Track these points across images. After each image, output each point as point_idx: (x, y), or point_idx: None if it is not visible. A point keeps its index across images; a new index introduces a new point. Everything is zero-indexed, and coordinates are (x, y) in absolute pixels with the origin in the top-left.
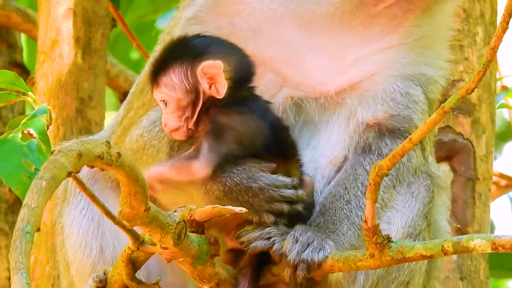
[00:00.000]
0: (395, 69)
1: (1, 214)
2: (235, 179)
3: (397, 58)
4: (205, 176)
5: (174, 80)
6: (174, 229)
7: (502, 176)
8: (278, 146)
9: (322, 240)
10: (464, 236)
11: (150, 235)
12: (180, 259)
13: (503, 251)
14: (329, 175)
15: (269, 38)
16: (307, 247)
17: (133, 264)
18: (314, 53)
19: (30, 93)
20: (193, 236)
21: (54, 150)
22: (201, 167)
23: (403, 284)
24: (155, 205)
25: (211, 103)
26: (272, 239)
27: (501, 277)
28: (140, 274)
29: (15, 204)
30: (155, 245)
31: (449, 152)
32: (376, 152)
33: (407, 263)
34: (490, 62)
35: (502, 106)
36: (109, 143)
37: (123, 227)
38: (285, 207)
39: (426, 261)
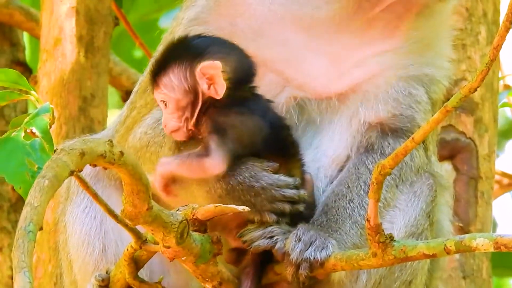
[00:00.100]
0: (396, 70)
1: (4, 213)
2: (238, 178)
3: (398, 59)
4: (219, 173)
5: (173, 81)
6: (176, 228)
7: (504, 174)
8: (278, 145)
9: (324, 239)
10: (466, 235)
11: (152, 234)
12: (183, 258)
13: (506, 250)
14: (331, 174)
15: (270, 39)
16: (309, 246)
17: (136, 263)
18: (314, 55)
19: (32, 92)
20: (195, 235)
21: (56, 149)
22: (214, 164)
23: (405, 283)
24: (158, 204)
25: (210, 104)
26: (274, 238)
27: (503, 276)
28: (143, 273)
29: (18, 203)
30: (158, 244)
31: (451, 151)
32: (379, 151)
33: (410, 262)
34: (493, 61)
35: (505, 105)
36: (111, 141)
37: (126, 225)
38: (287, 207)
39: (428, 261)
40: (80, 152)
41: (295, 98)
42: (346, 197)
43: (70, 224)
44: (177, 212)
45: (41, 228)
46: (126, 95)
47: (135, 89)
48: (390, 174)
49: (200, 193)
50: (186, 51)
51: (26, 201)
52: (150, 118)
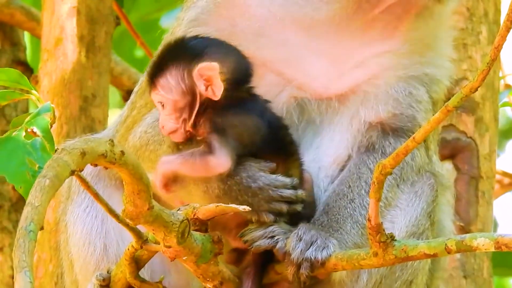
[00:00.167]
0: (396, 70)
1: (5, 213)
2: (235, 178)
3: (398, 59)
4: (224, 171)
5: (171, 82)
6: (177, 228)
7: (505, 174)
8: (276, 144)
9: (325, 239)
10: (467, 235)
11: (153, 233)
12: (184, 258)
13: (507, 250)
14: (332, 174)
15: (270, 39)
16: (310, 245)
17: (137, 263)
18: (314, 56)
19: (33, 92)
20: (196, 234)
21: (57, 148)
22: (219, 162)
23: (406, 283)
24: (159, 204)
25: (208, 105)
26: (275, 238)
27: (504, 275)
28: (144, 273)
29: (19, 203)
30: (159, 244)
31: (452, 150)
32: (380, 151)
33: (411, 262)
34: (494, 61)
35: (505, 104)
36: (112, 141)
37: (127, 225)
38: (284, 207)
39: (429, 261)
40: (81, 151)
41: (295, 98)
42: (347, 197)
43: (71, 223)
44: (178, 211)
45: (42, 228)
46: (127, 94)
47: (135, 89)
48: (391, 173)
49: (198, 193)
50: (184, 52)
51: (27, 201)
52: (150, 117)
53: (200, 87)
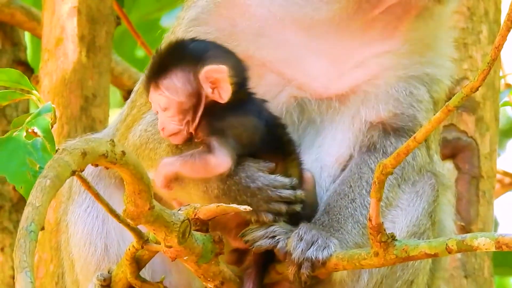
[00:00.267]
0: (396, 70)
1: (5, 213)
2: (234, 178)
3: (398, 59)
4: (224, 171)
5: (177, 84)
6: (178, 228)
7: (505, 173)
8: (274, 144)
9: (326, 239)
10: (468, 234)
11: (154, 233)
12: (185, 258)
13: (507, 250)
14: (334, 173)
15: (270, 40)
16: (311, 245)
17: (138, 263)
18: (314, 56)
19: (34, 92)
20: (197, 234)
21: (58, 148)
22: (219, 163)
23: (407, 283)
24: (160, 204)
25: (211, 107)
26: (276, 238)
27: (505, 275)
28: (145, 273)
29: (19, 203)
30: (160, 244)
31: (453, 150)
32: (381, 150)
33: (412, 262)
34: (495, 61)
35: (506, 104)
36: (113, 141)
37: (128, 225)
38: (283, 207)
39: (430, 260)
40: (82, 151)
41: (295, 98)
42: (348, 197)
43: (72, 223)
44: (179, 211)
45: (42, 228)
46: (127, 94)
47: (135, 88)
48: (392, 173)
49: (197, 193)
50: (187, 54)
51: (28, 201)
52: (150, 115)
53: (207, 89)
